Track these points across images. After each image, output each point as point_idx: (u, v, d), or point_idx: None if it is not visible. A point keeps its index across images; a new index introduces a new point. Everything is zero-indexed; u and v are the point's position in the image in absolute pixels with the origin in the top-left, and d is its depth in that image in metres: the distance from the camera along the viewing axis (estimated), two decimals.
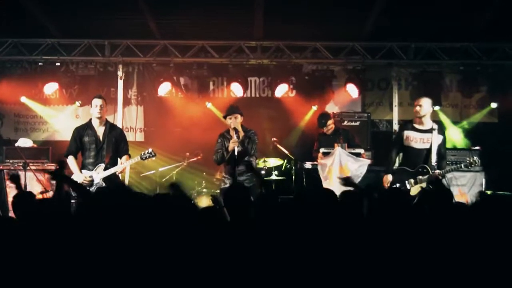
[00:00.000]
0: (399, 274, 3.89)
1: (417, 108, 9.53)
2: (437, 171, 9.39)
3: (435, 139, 9.56)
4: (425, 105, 9.53)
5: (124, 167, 9.67)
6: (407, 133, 9.63)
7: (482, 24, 11.71)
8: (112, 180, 9.35)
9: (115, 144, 9.58)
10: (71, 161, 9.50)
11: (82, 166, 9.50)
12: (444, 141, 9.78)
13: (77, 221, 4.00)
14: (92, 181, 9.30)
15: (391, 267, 3.88)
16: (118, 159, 9.54)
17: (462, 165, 9.68)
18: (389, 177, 9.47)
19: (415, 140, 9.56)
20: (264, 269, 3.88)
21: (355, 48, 12.49)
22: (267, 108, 13.38)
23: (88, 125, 9.67)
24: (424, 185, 9.37)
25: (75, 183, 7.36)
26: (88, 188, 9.03)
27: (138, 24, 12.01)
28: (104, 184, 9.23)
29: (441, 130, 9.81)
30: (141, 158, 9.53)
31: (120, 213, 3.74)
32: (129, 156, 9.66)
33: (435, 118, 12.47)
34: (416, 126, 9.63)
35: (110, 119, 11.59)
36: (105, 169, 9.36)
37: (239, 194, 5.58)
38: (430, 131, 9.56)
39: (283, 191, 11.59)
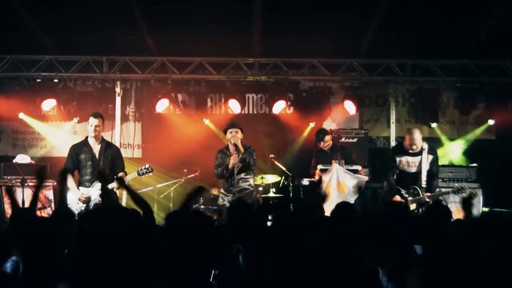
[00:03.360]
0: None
1: (414, 147, 9.72)
2: (427, 194, 9.51)
3: (424, 160, 9.72)
4: (418, 138, 9.76)
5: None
6: (400, 158, 9.85)
7: (479, 41, 11.75)
8: (107, 195, 9.36)
9: (111, 161, 9.66)
10: (67, 178, 9.53)
11: (79, 183, 9.56)
12: (435, 159, 9.92)
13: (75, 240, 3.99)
14: (89, 198, 9.33)
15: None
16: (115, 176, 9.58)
17: (450, 190, 9.82)
18: (398, 197, 9.58)
19: (408, 164, 9.80)
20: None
21: (352, 65, 12.51)
22: (264, 124, 13.37)
23: (84, 143, 9.76)
24: (414, 206, 9.48)
25: None
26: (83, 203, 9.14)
27: (136, 41, 12.04)
28: (101, 201, 9.24)
29: (432, 149, 10.02)
30: (138, 174, 9.58)
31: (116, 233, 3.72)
32: (125, 174, 9.72)
33: (433, 136, 12.55)
34: (408, 150, 9.80)
35: (107, 135, 11.63)
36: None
37: (243, 210, 5.59)
38: (420, 152, 9.72)
39: (280, 208, 11.60)
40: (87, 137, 9.83)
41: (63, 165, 9.82)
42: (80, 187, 9.52)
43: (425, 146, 9.88)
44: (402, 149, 10.06)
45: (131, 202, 5.02)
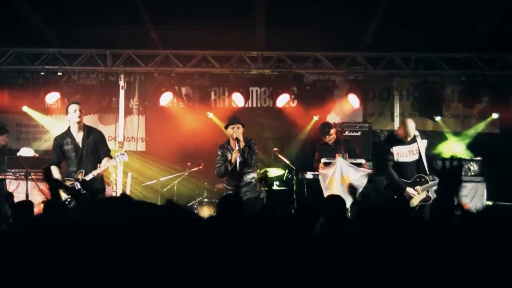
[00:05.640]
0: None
1: (408, 138, 9.70)
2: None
3: (421, 145, 9.69)
4: (413, 128, 9.75)
5: (103, 170, 9.61)
6: (396, 149, 9.78)
7: (484, 34, 11.72)
8: (97, 184, 9.36)
9: (94, 147, 9.51)
10: (54, 171, 9.47)
11: (67, 175, 9.46)
12: (429, 143, 9.89)
13: (75, 232, 3.99)
14: (73, 188, 9.25)
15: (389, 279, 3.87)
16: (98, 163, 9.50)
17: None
18: (409, 189, 9.55)
19: (405, 154, 9.74)
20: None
21: (356, 58, 12.50)
22: (268, 118, 13.39)
23: (67, 133, 9.56)
24: (424, 194, 9.46)
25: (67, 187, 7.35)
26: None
27: (139, 34, 12.04)
28: (84, 191, 9.13)
29: (422, 134, 9.96)
30: (115, 161, 9.55)
31: (123, 224, 3.73)
32: (110, 157, 9.59)
33: (437, 129, 12.56)
34: (402, 139, 9.77)
35: (111, 129, 11.65)
36: (85, 174, 9.30)
37: (232, 205, 5.56)
38: (414, 139, 9.70)
39: (284, 201, 11.62)
40: (69, 127, 9.63)
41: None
42: (67, 179, 9.44)
43: (416, 132, 9.86)
44: (396, 140, 10.00)
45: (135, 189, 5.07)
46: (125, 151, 9.65)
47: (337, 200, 6.09)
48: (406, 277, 3.89)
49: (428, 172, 9.59)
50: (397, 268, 3.94)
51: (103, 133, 10.04)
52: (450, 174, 4.52)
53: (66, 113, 9.61)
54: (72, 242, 3.87)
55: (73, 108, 9.52)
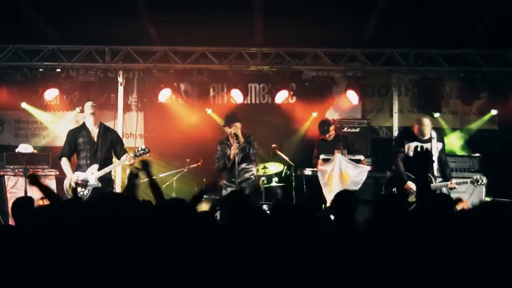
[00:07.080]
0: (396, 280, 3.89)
1: (425, 132, 9.67)
2: (454, 181, 9.52)
3: (434, 147, 9.66)
4: (428, 127, 9.72)
5: (117, 165, 9.75)
6: (408, 144, 9.78)
7: (482, 30, 11.71)
8: (107, 180, 9.47)
9: (110, 145, 9.71)
10: (64, 162, 9.68)
11: (77, 167, 9.60)
12: (443, 147, 9.89)
13: (76, 229, 3.99)
14: (86, 181, 9.37)
15: (388, 273, 3.88)
16: (116, 159, 9.67)
17: (468, 180, 9.82)
18: (410, 184, 9.56)
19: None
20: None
21: (355, 54, 12.50)
22: (267, 114, 13.35)
23: (83, 127, 9.85)
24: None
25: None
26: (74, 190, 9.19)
27: (138, 30, 12.02)
28: (100, 185, 9.28)
29: (440, 137, 9.99)
30: (135, 155, 9.56)
31: (122, 222, 3.73)
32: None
33: (435, 125, 12.53)
34: (417, 136, 9.75)
35: (110, 125, 11.61)
36: (99, 169, 9.39)
37: (238, 199, 5.57)
38: (429, 140, 9.67)
39: (283, 198, 11.62)
40: (84, 123, 9.90)
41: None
42: (77, 172, 9.56)
43: (434, 134, 9.87)
44: (411, 135, 10.01)
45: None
46: (145, 147, 9.71)
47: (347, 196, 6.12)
48: (397, 267, 3.91)
49: (435, 175, 9.60)
50: (390, 259, 3.95)
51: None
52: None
53: (83, 111, 9.98)
54: (71, 237, 3.88)
55: (89, 104, 9.90)
